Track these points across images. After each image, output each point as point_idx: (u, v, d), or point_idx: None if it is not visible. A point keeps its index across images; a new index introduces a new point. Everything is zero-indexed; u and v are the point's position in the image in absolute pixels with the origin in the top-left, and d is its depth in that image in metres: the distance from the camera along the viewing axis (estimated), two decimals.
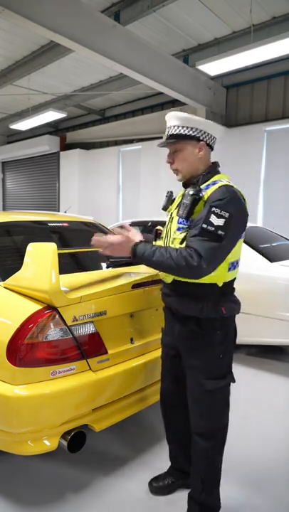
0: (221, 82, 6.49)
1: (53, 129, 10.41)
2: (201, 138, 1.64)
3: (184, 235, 1.56)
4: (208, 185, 1.57)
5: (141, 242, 1.65)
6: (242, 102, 6.48)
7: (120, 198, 8.72)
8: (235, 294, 1.71)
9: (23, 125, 8.07)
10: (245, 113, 6.45)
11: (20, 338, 1.65)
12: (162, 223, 1.85)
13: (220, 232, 1.45)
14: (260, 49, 4.27)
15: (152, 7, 4.41)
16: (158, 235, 1.85)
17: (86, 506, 1.82)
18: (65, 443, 1.71)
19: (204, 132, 1.64)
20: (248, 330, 3.46)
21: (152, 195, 7.53)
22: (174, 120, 1.64)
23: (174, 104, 7.26)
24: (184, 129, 1.62)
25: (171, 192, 1.83)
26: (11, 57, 6.14)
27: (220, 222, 1.45)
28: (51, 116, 7.27)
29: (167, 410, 1.89)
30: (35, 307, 1.70)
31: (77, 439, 1.74)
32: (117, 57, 4.57)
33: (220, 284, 1.58)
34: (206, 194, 1.53)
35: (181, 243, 1.56)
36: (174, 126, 1.63)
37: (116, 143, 8.66)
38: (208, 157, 1.69)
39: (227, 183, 1.55)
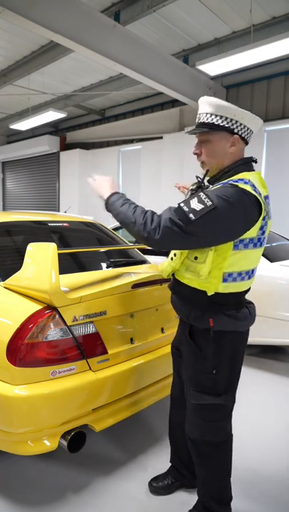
0: (221, 82, 6.49)
1: (53, 129, 10.40)
2: (236, 131, 1.45)
3: None
4: (224, 182, 1.43)
5: (122, 194, 1.53)
6: (242, 102, 6.47)
7: None
8: None
9: (23, 125, 8.06)
10: None
11: (20, 338, 1.65)
12: None
13: (191, 215, 1.31)
14: (260, 49, 4.26)
15: (152, 7, 4.40)
16: None
17: (86, 506, 1.82)
18: (65, 443, 1.71)
19: (240, 124, 1.45)
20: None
21: (152, 195, 7.52)
22: (206, 106, 1.46)
23: (173, 104, 7.27)
24: (218, 118, 1.44)
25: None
26: (11, 57, 6.13)
27: (197, 206, 1.32)
28: (51, 116, 7.26)
29: (172, 408, 1.89)
30: (35, 307, 1.71)
31: (77, 439, 1.74)
32: (117, 57, 4.57)
33: (209, 293, 1.46)
34: (213, 189, 1.41)
35: None
36: (206, 114, 1.45)
37: (116, 143, 8.65)
38: (239, 153, 1.51)
39: (240, 185, 1.37)
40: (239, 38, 5.17)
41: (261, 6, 4.53)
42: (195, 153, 1.54)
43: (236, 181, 1.39)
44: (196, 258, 1.46)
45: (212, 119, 1.45)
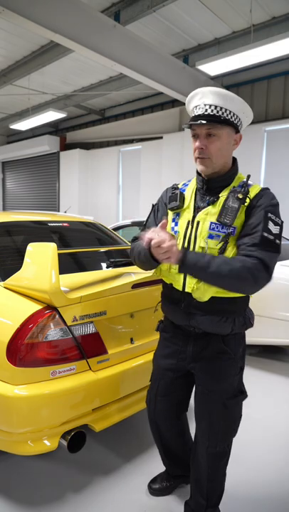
0: (221, 82, 6.49)
1: (53, 129, 10.40)
2: (239, 129, 1.38)
3: (221, 244, 1.34)
4: (238, 186, 1.39)
5: (188, 248, 1.40)
6: None
7: (120, 198, 8.71)
8: None
9: (23, 125, 8.06)
10: None
11: (20, 338, 1.65)
12: None
13: (277, 241, 1.33)
14: (260, 49, 4.26)
15: (152, 7, 4.40)
16: None
17: (86, 506, 1.82)
18: (65, 443, 1.71)
19: (241, 122, 1.37)
20: (248, 330, 3.45)
21: (152, 196, 7.52)
22: (214, 97, 1.32)
23: (173, 104, 7.26)
24: (226, 112, 1.33)
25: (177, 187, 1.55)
26: (11, 57, 6.13)
27: (277, 230, 1.34)
28: (51, 116, 7.26)
29: (161, 433, 1.78)
30: (35, 307, 1.71)
31: (77, 439, 1.74)
32: (117, 57, 4.57)
33: (252, 295, 1.47)
34: (248, 197, 1.36)
35: (220, 254, 1.35)
36: (212, 106, 1.32)
37: (116, 143, 8.65)
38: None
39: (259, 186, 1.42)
40: (239, 38, 5.17)
41: (261, 6, 4.53)
42: (199, 148, 1.37)
43: (253, 183, 1.44)
44: None
45: (219, 112, 1.33)
